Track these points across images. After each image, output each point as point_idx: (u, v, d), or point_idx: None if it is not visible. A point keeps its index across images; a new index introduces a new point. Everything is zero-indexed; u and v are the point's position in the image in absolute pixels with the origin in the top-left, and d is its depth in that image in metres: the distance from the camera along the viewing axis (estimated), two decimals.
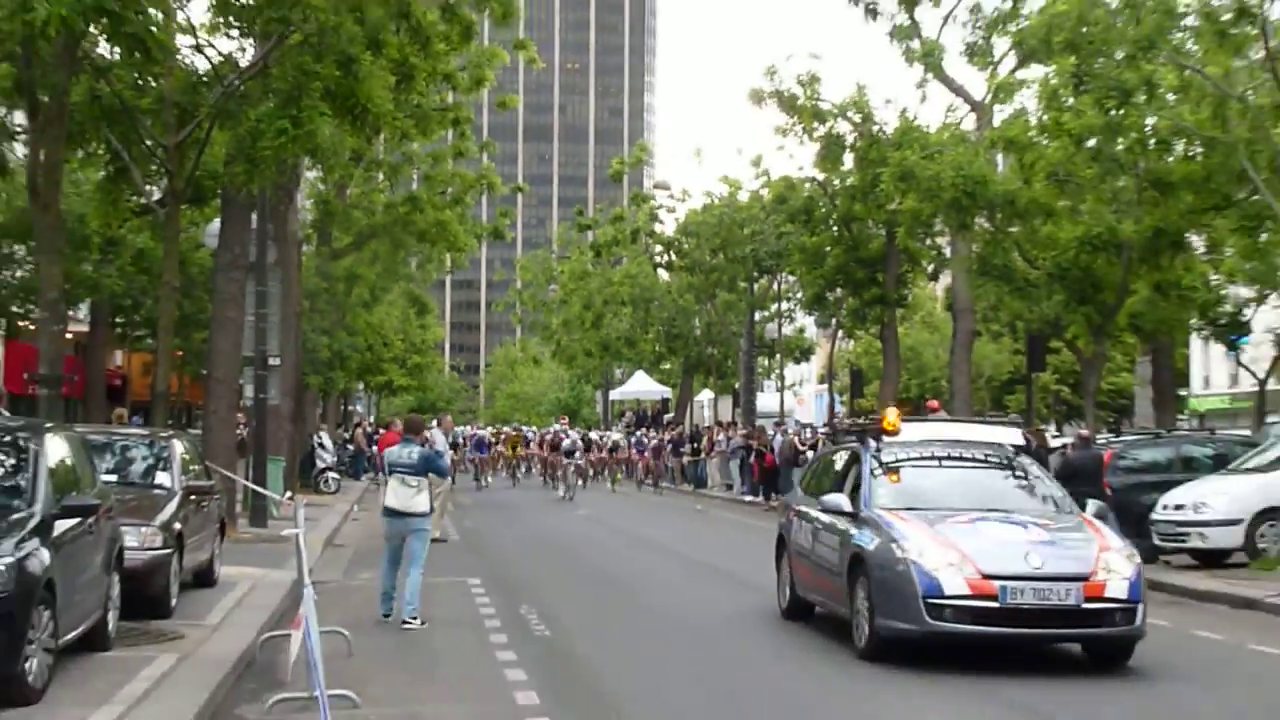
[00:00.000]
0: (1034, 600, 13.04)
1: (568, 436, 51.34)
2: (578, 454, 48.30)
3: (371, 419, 74.04)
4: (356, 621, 15.29)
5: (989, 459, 15.96)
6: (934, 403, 33.16)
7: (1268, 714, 12.13)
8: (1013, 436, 16.62)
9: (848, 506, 14.92)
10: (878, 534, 14.08)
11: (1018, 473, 15.80)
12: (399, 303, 61.19)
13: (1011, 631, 13.20)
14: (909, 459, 15.70)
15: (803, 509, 16.94)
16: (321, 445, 42.63)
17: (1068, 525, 14.57)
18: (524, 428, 69.67)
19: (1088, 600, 13.10)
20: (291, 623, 12.61)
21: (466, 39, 26.91)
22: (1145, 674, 13.53)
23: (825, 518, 15.61)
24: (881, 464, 15.41)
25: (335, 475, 42.57)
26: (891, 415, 15.83)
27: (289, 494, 28.30)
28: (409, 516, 16.29)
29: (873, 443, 15.67)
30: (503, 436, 60.92)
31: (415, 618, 15.87)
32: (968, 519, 14.29)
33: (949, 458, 15.83)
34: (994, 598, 13.00)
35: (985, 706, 12.12)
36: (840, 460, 17.12)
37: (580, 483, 48.24)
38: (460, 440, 52.46)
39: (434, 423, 29.02)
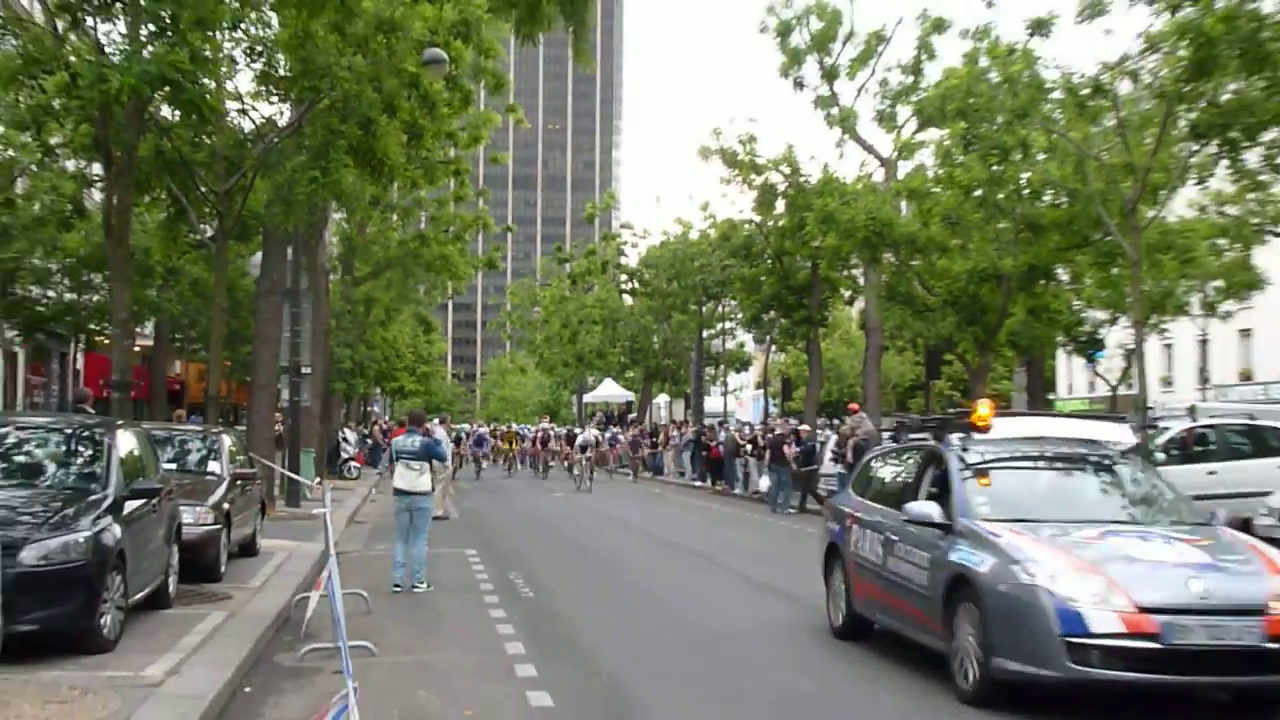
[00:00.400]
0: (1206, 640, 8.86)
1: (582, 432, 47.98)
2: (590, 450, 43.34)
3: (387, 418, 73.74)
4: (374, 585, 15.28)
5: (1095, 460, 11.51)
6: (854, 405, 33.10)
7: None
8: (1121, 434, 12.14)
9: (939, 517, 10.51)
10: (987, 551, 9.80)
11: (1132, 476, 11.48)
12: (409, 322, 61.04)
13: (1177, 679, 8.95)
14: (1001, 459, 11.32)
15: (867, 516, 12.35)
16: (345, 440, 42.56)
17: (1218, 541, 10.16)
18: (519, 426, 68.20)
19: (1270, 639, 8.92)
20: (314, 585, 12.62)
21: (466, 104, 26.85)
22: None
23: (905, 528, 11.20)
24: (968, 465, 11.06)
25: (357, 464, 42.51)
26: (983, 408, 11.48)
27: (318, 480, 28.31)
28: (413, 495, 16.16)
29: (955, 440, 11.45)
30: (499, 433, 59.96)
31: (423, 583, 15.80)
32: (1095, 533, 10.03)
33: (1044, 458, 11.52)
34: (1155, 637, 8.84)
35: None
36: (909, 460, 12.57)
37: (590, 475, 43.25)
38: (462, 435, 52.10)
39: (436, 421, 28.97)
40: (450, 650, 12.18)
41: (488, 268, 53.00)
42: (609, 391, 75.67)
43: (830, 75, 36.78)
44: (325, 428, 38.58)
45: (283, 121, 22.93)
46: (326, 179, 20.17)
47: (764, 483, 34.49)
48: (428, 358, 73.79)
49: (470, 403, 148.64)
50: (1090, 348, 42.10)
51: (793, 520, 28.75)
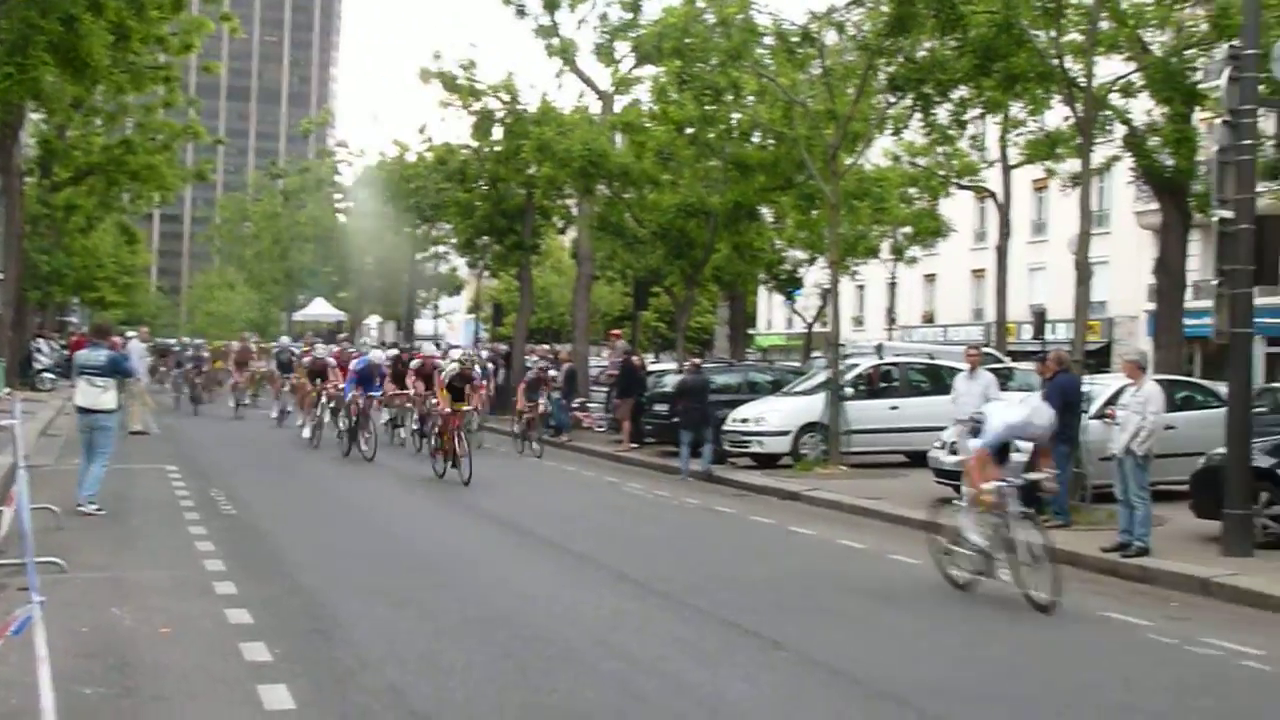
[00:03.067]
0: None
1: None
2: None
3: (85, 330, 70.50)
4: (66, 500, 14.59)
5: None
6: (616, 331, 33.03)
7: (806, 578, 12.49)
8: None
9: None
10: None
11: None
12: (112, 230, 58.33)
13: None
14: None
15: None
16: (39, 350, 40.52)
17: None
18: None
19: None
20: (5, 500, 12.00)
21: (177, 8, 25.77)
22: (720, 546, 14.01)
23: None
24: None
25: (51, 375, 40.51)
26: None
27: (8, 390, 26.84)
28: (96, 413, 15.02)
29: None
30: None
31: (94, 505, 14.72)
32: None
33: None
34: None
35: None
36: None
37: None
38: (172, 349, 49.64)
39: (131, 334, 27.84)
40: (146, 567, 11.78)
41: (197, 179, 51.09)
42: (320, 310, 74.16)
43: (551, 5, 36.51)
44: (18, 336, 36.67)
45: None
46: (23, 76, 19.03)
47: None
48: (131, 268, 70.93)
49: (175, 316, 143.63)
50: (789, 286, 43.57)
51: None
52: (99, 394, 15.03)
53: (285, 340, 36.94)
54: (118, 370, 15.43)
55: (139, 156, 41.03)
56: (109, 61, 21.59)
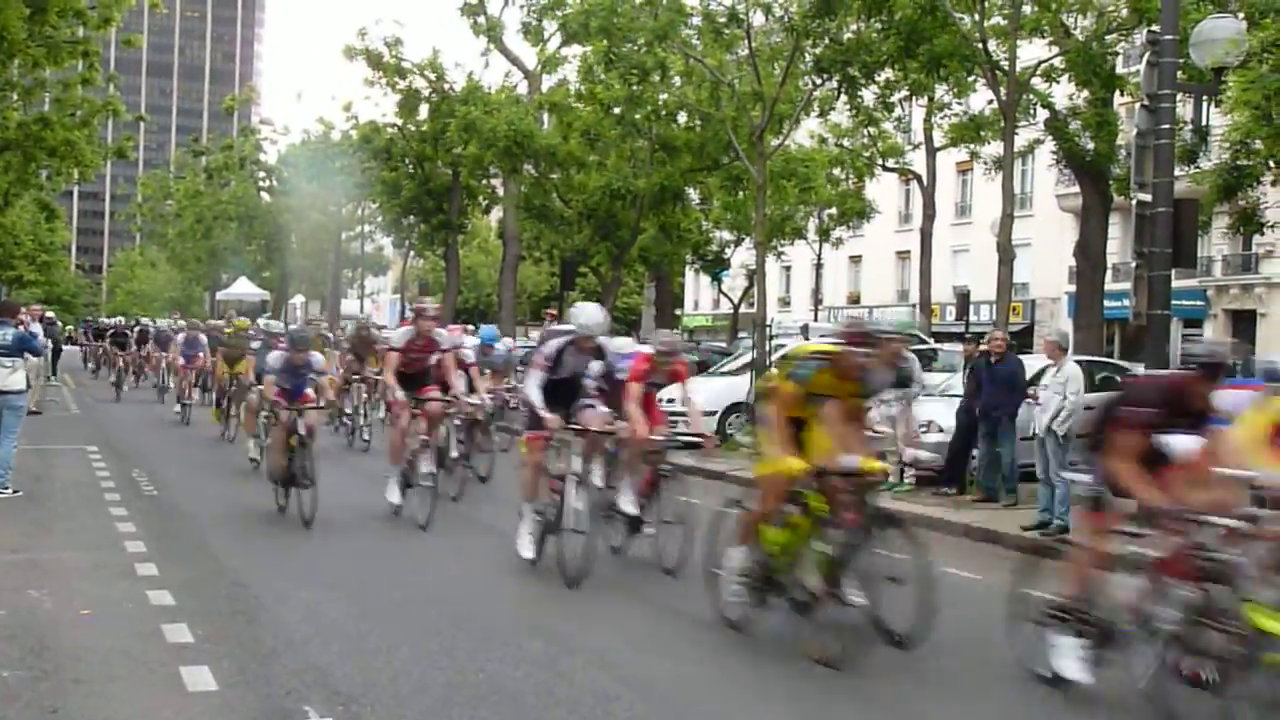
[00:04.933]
0: None
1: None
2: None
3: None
4: None
5: None
6: (552, 311, 32.71)
7: None
8: None
9: None
10: None
11: None
12: (30, 208, 57.29)
13: None
14: None
15: None
16: None
17: None
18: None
19: None
20: None
21: None
22: None
23: None
24: None
25: None
26: None
27: None
28: (7, 394, 14.59)
29: None
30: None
31: (7, 487, 14.40)
32: None
33: None
34: None
35: None
36: None
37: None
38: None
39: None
40: (66, 549, 11.58)
41: (117, 156, 50.23)
42: (244, 289, 73.47)
43: None
44: None
45: None
46: None
47: None
48: (49, 246, 69.80)
49: (96, 294, 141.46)
50: (716, 267, 43.69)
51: None
52: (7, 374, 14.64)
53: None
54: (25, 349, 15.09)
55: (57, 133, 40.26)
56: (25, 35, 21.11)
